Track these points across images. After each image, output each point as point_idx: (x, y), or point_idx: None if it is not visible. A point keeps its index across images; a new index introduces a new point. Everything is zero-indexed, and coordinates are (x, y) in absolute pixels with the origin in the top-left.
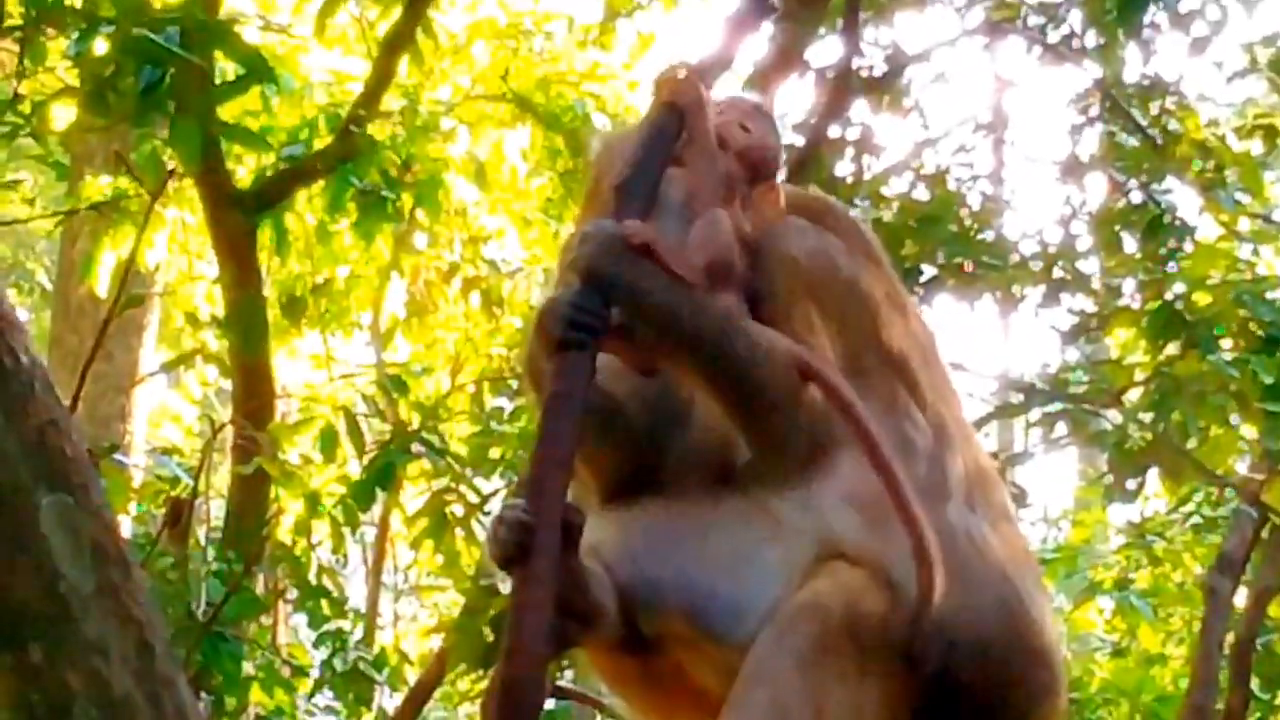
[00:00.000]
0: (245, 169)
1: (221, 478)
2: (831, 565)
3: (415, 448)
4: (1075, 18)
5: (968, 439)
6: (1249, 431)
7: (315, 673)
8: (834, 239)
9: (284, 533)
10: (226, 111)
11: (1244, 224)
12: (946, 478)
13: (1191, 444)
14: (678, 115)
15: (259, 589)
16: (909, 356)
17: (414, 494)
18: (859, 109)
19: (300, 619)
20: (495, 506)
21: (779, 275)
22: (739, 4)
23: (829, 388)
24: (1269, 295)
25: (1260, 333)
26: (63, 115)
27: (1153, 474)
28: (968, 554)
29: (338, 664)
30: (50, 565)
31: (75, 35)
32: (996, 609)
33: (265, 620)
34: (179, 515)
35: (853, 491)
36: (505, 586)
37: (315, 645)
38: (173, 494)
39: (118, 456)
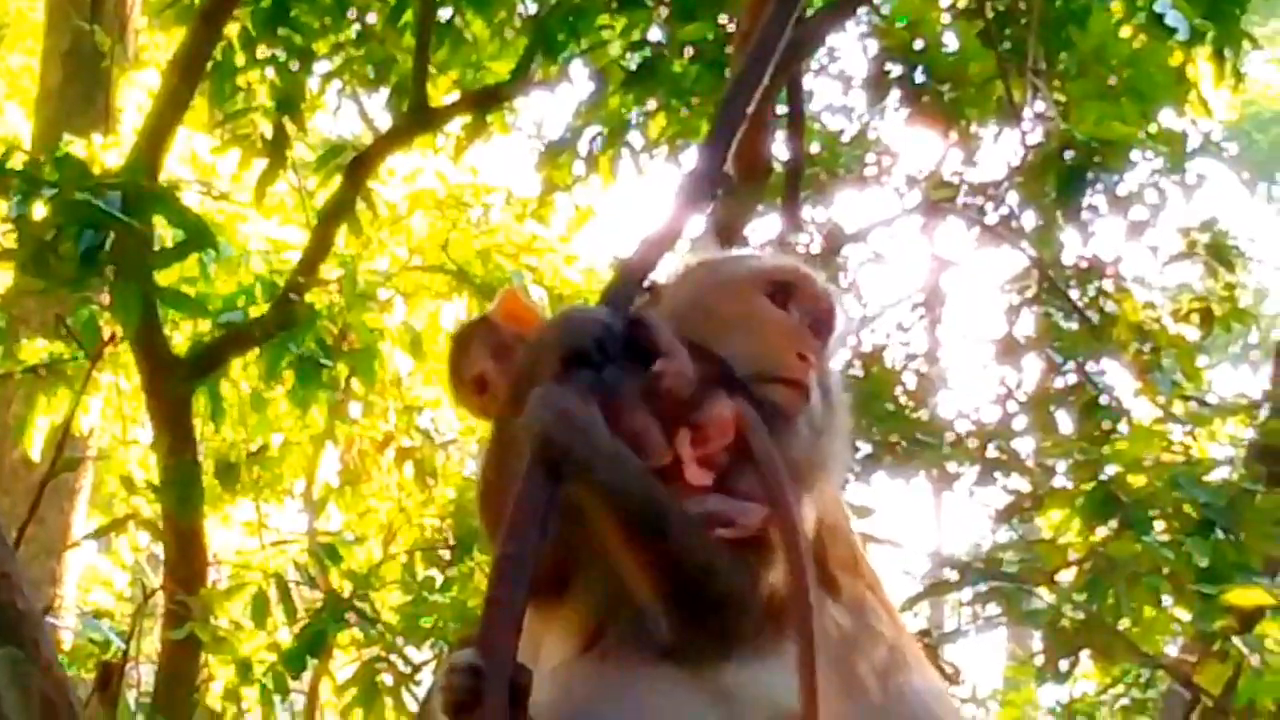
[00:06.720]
0: (181, 335)
1: (152, 643)
2: None
3: (347, 616)
4: (1013, 198)
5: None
6: (1182, 613)
7: None
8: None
9: (214, 699)
10: (163, 278)
11: (1179, 407)
12: (905, 654)
13: (1124, 624)
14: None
15: None
16: (859, 552)
17: (345, 662)
18: None
19: None
20: (426, 676)
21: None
22: (686, 180)
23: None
24: (1204, 478)
25: (1195, 515)
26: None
27: (1083, 654)
28: (937, 708)
29: None
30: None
31: (15, 198)
32: None
33: None
34: (109, 679)
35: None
36: None
37: None
38: (103, 658)
39: (48, 619)
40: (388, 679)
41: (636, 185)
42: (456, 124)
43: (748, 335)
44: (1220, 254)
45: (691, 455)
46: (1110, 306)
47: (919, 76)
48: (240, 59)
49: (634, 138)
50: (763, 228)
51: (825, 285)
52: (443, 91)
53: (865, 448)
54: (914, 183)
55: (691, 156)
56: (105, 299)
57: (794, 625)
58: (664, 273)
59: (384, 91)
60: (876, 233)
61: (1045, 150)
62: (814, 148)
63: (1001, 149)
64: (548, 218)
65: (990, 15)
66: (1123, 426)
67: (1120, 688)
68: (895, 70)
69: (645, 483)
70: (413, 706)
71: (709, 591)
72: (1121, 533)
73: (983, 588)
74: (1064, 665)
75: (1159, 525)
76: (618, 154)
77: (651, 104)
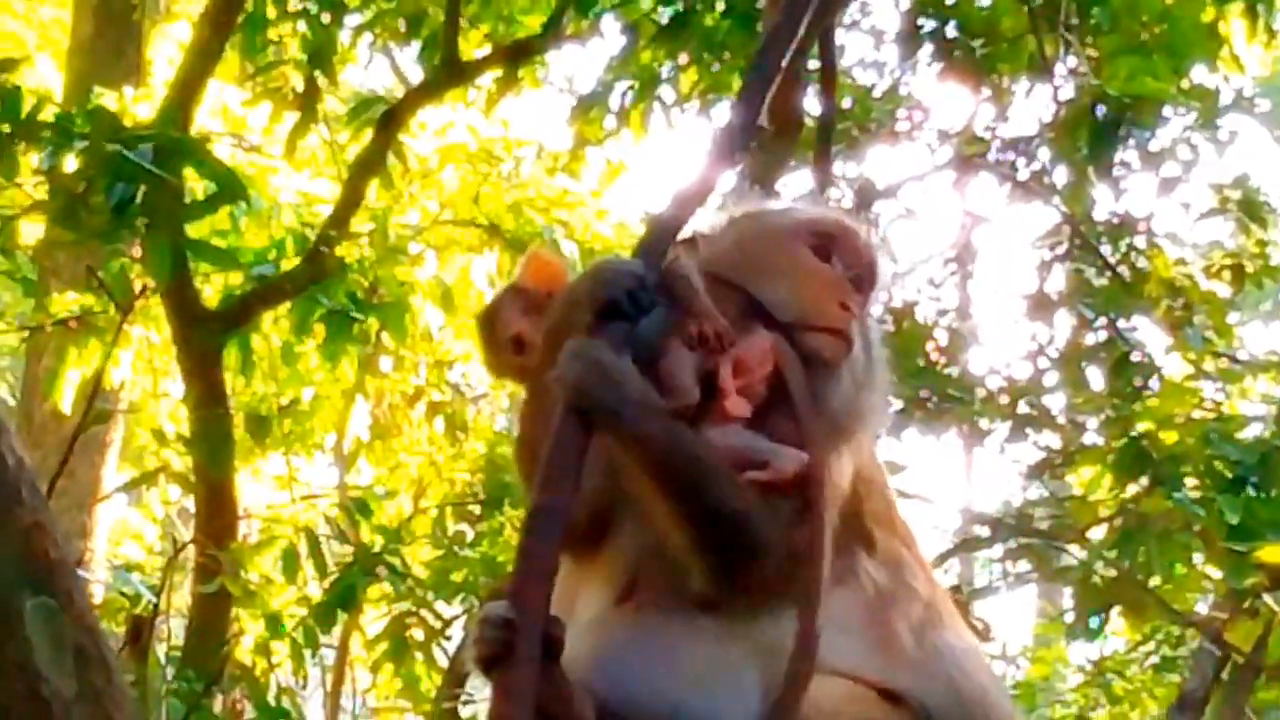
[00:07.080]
0: (212, 288)
1: (182, 597)
2: (816, 679)
3: (378, 570)
4: (1045, 154)
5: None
6: (1212, 570)
7: None
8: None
9: (244, 653)
10: (194, 230)
11: (1210, 363)
12: (939, 610)
13: (1154, 582)
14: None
15: (218, 708)
16: (894, 507)
17: (375, 617)
18: None
19: None
20: (456, 631)
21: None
22: (720, 134)
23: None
24: (1235, 435)
25: (1226, 472)
26: (30, 230)
27: (1114, 611)
28: (970, 665)
29: None
30: (33, 668)
31: (47, 150)
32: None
33: None
34: (139, 633)
35: (841, 618)
36: (465, 710)
37: None
38: (134, 611)
39: (79, 572)
40: (418, 634)
41: (668, 139)
42: (488, 78)
43: (791, 284)
44: (1252, 210)
45: (732, 385)
46: (1142, 263)
47: (951, 31)
48: (271, 12)
49: (665, 92)
50: (794, 183)
51: (868, 238)
52: (474, 45)
53: (896, 403)
54: (946, 138)
55: (723, 111)
56: (136, 251)
57: (803, 563)
58: (705, 222)
59: (415, 45)
60: (908, 188)
61: (1077, 106)
62: (846, 103)
63: (1033, 104)
64: (579, 172)
65: None
66: (1154, 383)
67: (1151, 645)
68: (927, 25)
69: (677, 432)
70: (443, 661)
71: (742, 540)
72: (1152, 489)
73: (1013, 544)
74: (1094, 622)
75: (1190, 482)
76: (649, 108)
77: (683, 58)
